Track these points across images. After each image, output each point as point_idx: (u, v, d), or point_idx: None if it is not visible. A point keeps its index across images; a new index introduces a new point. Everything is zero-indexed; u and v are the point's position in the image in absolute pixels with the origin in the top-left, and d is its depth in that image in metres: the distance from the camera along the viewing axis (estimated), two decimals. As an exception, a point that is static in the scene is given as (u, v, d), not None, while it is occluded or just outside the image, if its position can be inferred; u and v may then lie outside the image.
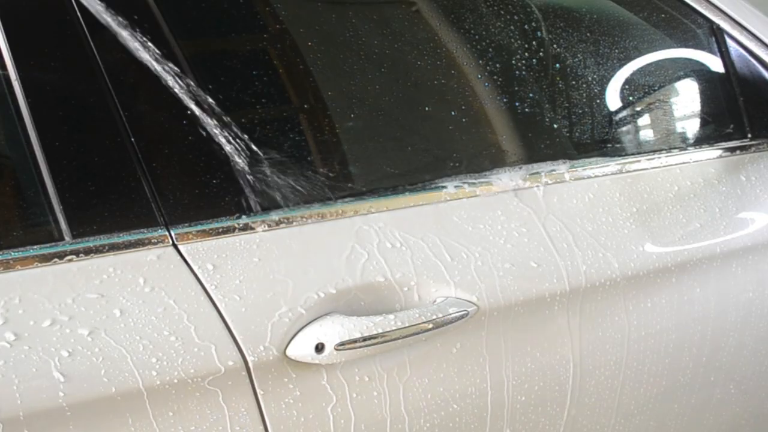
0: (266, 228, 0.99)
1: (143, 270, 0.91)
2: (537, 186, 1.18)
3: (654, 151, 1.33)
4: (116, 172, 0.94)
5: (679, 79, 1.44)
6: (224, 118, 1.01)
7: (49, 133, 0.92)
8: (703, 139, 1.40)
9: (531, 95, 1.30)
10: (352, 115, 1.15)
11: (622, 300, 1.18)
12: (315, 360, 0.94)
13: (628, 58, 1.39)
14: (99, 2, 0.98)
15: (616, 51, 1.40)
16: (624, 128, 1.36)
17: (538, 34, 1.34)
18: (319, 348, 0.94)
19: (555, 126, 1.29)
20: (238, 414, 0.91)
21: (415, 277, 1.03)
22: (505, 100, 1.26)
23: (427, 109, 1.20)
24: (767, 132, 1.41)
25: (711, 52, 1.43)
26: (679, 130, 1.42)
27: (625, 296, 1.18)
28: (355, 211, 1.05)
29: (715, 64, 1.43)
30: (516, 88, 1.29)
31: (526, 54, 1.31)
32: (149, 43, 1.00)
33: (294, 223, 1.00)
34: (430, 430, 1.05)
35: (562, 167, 1.21)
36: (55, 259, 0.88)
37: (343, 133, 1.13)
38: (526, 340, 1.11)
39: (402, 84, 1.19)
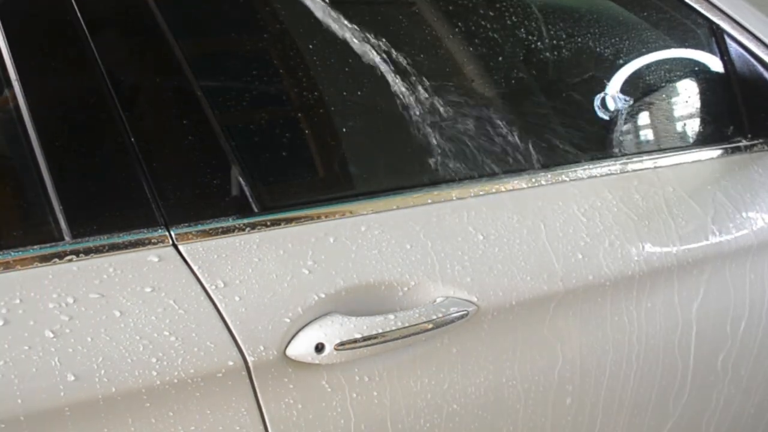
0: (266, 228, 0.99)
1: (143, 270, 0.91)
2: (537, 187, 1.18)
3: (654, 151, 1.33)
4: (116, 172, 0.94)
5: (678, 79, 1.44)
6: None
7: (49, 133, 0.92)
8: (702, 139, 1.40)
9: (527, 96, 1.30)
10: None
11: (623, 300, 1.18)
12: (315, 360, 0.94)
13: (628, 59, 1.39)
14: None
15: (616, 51, 1.40)
16: (624, 128, 1.36)
17: (537, 33, 1.34)
18: (319, 348, 0.94)
19: (553, 127, 1.29)
20: (238, 414, 0.91)
21: (415, 277, 1.03)
22: (497, 102, 1.26)
23: (427, 111, 1.20)
24: (766, 132, 1.41)
25: (711, 52, 1.43)
26: (678, 130, 1.42)
27: (625, 296, 1.18)
28: (355, 211, 1.05)
29: (715, 64, 1.43)
30: (506, 90, 1.29)
31: (523, 54, 1.31)
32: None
33: (294, 223, 1.00)
34: (430, 430, 1.05)
35: (562, 168, 1.21)
36: (55, 259, 0.88)
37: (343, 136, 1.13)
38: (526, 341, 1.11)
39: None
